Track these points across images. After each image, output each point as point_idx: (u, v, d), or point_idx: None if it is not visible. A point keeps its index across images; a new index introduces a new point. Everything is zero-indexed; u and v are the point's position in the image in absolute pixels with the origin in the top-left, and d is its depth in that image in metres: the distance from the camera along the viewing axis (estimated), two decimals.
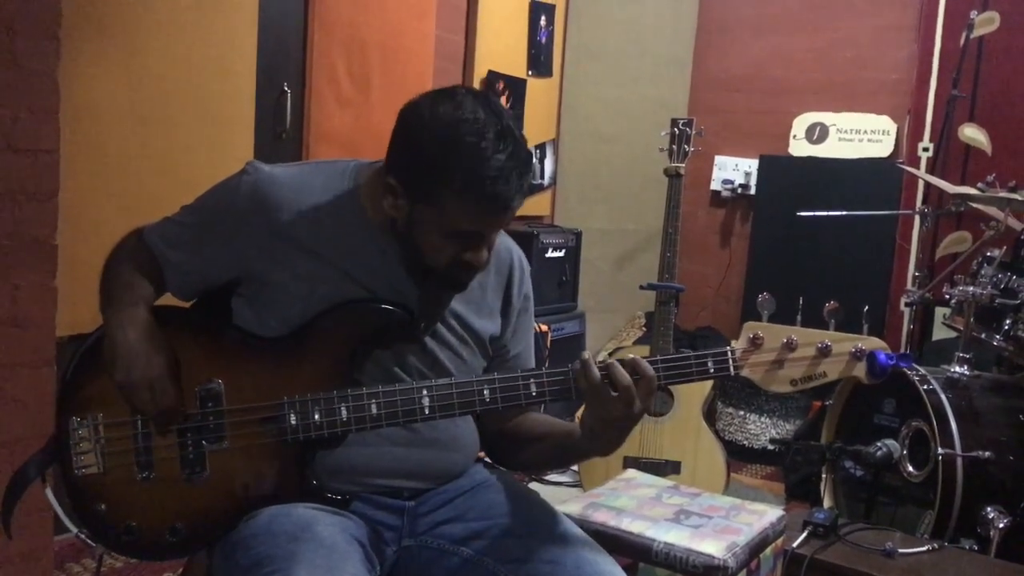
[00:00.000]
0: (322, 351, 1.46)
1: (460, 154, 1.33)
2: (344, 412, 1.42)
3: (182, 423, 1.44)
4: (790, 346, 1.42)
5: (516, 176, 1.36)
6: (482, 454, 1.69)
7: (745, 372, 1.43)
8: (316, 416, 1.42)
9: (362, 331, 1.46)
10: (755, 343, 1.43)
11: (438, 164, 1.35)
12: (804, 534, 2.31)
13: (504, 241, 1.64)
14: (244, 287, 1.51)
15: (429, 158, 1.36)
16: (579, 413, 1.57)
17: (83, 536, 1.47)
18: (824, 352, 1.42)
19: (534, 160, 4.82)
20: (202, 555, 1.51)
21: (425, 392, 1.42)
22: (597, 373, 1.35)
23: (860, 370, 1.42)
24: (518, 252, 1.67)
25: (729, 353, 1.43)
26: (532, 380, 1.42)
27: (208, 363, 1.47)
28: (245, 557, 1.35)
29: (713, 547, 1.93)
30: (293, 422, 1.42)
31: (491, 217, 1.40)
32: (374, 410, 1.42)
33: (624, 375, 1.34)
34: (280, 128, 3.38)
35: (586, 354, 1.38)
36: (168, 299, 1.56)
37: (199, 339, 1.50)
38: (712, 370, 1.43)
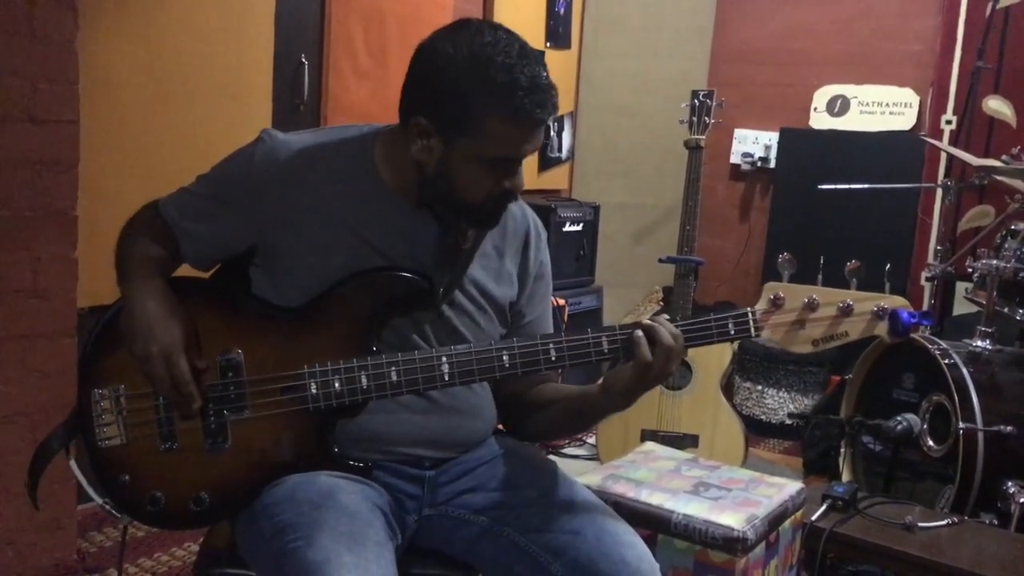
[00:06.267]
0: (341, 320, 1.45)
1: (493, 74, 1.34)
2: (364, 380, 1.42)
3: (203, 393, 1.44)
4: (811, 306, 1.41)
5: (547, 87, 1.37)
6: (500, 425, 1.69)
7: (766, 333, 1.43)
8: (337, 384, 1.42)
9: (380, 299, 1.46)
10: (776, 303, 1.43)
11: (473, 90, 1.35)
12: (824, 507, 2.31)
13: (521, 206, 1.63)
14: (260, 256, 1.51)
15: (463, 86, 1.36)
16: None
17: (108, 507, 1.48)
18: (846, 311, 1.41)
19: (552, 132, 4.79)
20: (224, 524, 1.52)
21: (444, 359, 1.42)
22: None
23: (882, 329, 1.40)
24: (534, 217, 1.67)
25: (750, 314, 1.43)
26: (552, 345, 1.43)
27: (228, 333, 1.47)
28: (269, 525, 1.36)
29: (732, 519, 1.92)
30: (314, 391, 1.42)
31: (531, 132, 1.39)
32: (394, 377, 1.42)
33: (666, 336, 1.44)
34: (297, 100, 3.38)
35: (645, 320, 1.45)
36: (186, 269, 1.56)
37: (219, 309, 1.50)
38: (733, 332, 1.44)
